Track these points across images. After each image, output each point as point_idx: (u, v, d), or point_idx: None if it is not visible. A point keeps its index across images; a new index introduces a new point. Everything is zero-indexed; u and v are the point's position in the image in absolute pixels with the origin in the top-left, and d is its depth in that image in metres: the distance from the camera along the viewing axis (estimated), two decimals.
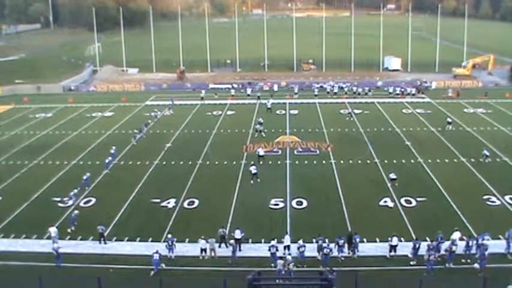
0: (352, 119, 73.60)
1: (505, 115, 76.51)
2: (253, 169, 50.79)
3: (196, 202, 45.36)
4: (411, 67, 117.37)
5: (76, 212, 41.80)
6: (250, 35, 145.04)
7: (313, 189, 47.93)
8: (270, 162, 55.17)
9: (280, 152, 59.19)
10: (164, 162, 56.26)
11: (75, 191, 46.61)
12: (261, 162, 54.55)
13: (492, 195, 45.75)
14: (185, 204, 44.98)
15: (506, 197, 45.18)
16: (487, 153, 55.35)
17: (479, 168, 52.73)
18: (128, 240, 38.77)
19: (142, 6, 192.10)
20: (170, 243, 36.40)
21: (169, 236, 37.25)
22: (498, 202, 44.52)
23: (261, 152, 56.71)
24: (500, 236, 37.14)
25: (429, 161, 55.23)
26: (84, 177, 49.67)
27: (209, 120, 74.56)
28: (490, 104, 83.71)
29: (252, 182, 49.92)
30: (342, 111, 79.20)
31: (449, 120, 69.57)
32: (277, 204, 44.48)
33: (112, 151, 57.54)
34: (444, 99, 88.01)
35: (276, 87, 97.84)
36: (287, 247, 36.21)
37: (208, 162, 55.96)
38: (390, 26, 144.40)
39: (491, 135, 65.29)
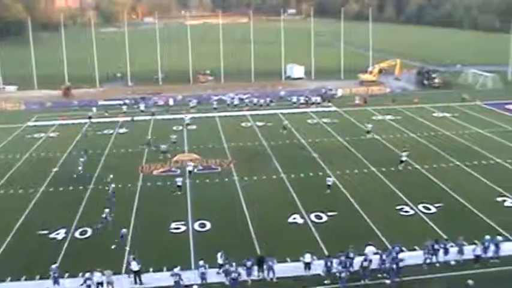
0: (285, 132, 74.16)
1: (414, 121, 79.63)
2: (178, 181, 52.51)
3: (89, 231, 44.18)
4: (315, 75, 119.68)
5: (124, 230, 42.20)
6: (141, 46, 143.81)
7: (217, 209, 47.85)
8: (168, 183, 54.66)
9: (178, 171, 58.79)
10: (51, 189, 54.50)
11: (107, 210, 45.51)
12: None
13: (405, 205, 47.41)
14: (77, 234, 43.68)
15: (420, 206, 46.90)
16: (403, 158, 57.46)
17: (391, 178, 54.53)
18: (11, 281, 36.96)
19: (19, 16, 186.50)
20: (54, 275, 35.19)
21: (53, 266, 36.06)
22: (411, 211, 46.15)
23: (190, 167, 57.64)
24: (416, 247, 38.42)
25: (338, 172, 56.50)
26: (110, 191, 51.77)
27: (100, 140, 73.02)
28: (398, 110, 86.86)
29: (174, 193, 51.45)
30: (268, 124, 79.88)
31: (368, 129, 71.71)
32: (179, 228, 44.15)
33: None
34: (351, 107, 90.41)
35: (171, 102, 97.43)
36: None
37: (100, 187, 54.82)
38: (292, 32, 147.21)
39: (401, 142, 67.68)
